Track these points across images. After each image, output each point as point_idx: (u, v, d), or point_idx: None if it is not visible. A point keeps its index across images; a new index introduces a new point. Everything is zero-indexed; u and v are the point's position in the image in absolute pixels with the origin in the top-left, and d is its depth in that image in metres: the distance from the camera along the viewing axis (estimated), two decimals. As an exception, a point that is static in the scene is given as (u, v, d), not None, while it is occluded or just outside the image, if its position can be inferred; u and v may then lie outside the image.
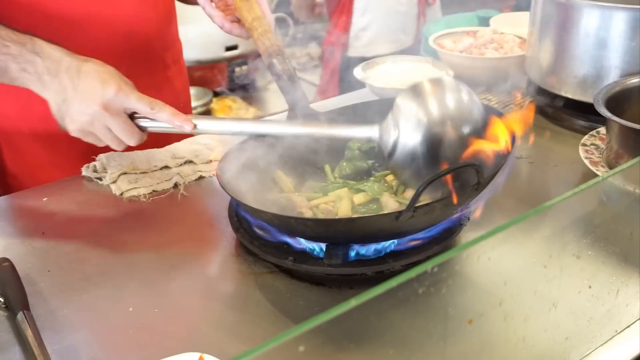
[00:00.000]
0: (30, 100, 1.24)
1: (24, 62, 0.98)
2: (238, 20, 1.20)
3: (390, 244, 0.92)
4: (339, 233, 0.90)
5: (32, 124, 1.25)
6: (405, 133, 0.94)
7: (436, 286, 0.57)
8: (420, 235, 0.93)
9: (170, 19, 1.38)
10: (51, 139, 1.26)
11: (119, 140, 1.00)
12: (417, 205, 0.83)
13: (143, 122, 1.01)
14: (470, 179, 0.88)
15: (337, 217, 0.98)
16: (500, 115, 1.04)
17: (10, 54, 0.98)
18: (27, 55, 0.98)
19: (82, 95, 0.96)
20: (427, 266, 0.55)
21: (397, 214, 0.84)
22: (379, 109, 1.15)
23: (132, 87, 1.00)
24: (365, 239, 0.91)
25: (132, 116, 1.00)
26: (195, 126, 1.00)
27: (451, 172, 0.86)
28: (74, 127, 0.99)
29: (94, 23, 1.14)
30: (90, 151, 1.22)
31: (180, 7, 1.44)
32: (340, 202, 0.99)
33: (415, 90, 0.96)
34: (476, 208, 0.99)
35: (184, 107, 1.47)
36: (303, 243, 0.94)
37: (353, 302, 0.51)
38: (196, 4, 1.25)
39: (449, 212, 0.92)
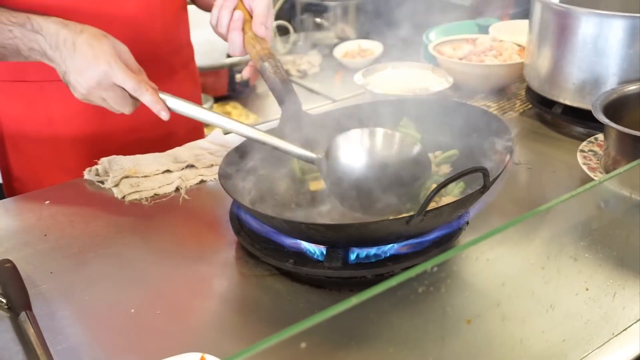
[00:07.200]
0: (36, 102, 1.24)
1: (29, 42, 1.04)
2: None
3: (390, 248, 0.93)
4: (349, 237, 0.91)
5: (37, 126, 1.26)
6: (333, 171, 0.99)
7: (435, 286, 0.58)
8: (420, 239, 0.94)
9: (179, 22, 1.38)
10: (55, 142, 1.27)
11: (116, 109, 1.04)
12: (427, 209, 0.84)
13: None
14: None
15: (348, 222, 0.98)
16: (498, 121, 1.06)
17: (16, 36, 1.04)
18: (30, 35, 1.04)
19: (77, 69, 1.01)
20: (427, 266, 0.56)
21: (408, 219, 0.85)
22: (370, 112, 1.15)
23: (128, 57, 1.03)
24: (375, 243, 0.92)
25: None
26: (168, 114, 1.02)
27: (460, 177, 0.87)
28: (77, 95, 1.04)
29: (95, 20, 1.14)
30: (93, 154, 1.23)
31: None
32: None
33: (353, 135, 1.02)
34: (475, 213, 1.00)
35: None
36: (304, 245, 0.94)
37: (354, 301, 0.52)
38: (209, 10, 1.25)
39: (455, 214, 0.93)
